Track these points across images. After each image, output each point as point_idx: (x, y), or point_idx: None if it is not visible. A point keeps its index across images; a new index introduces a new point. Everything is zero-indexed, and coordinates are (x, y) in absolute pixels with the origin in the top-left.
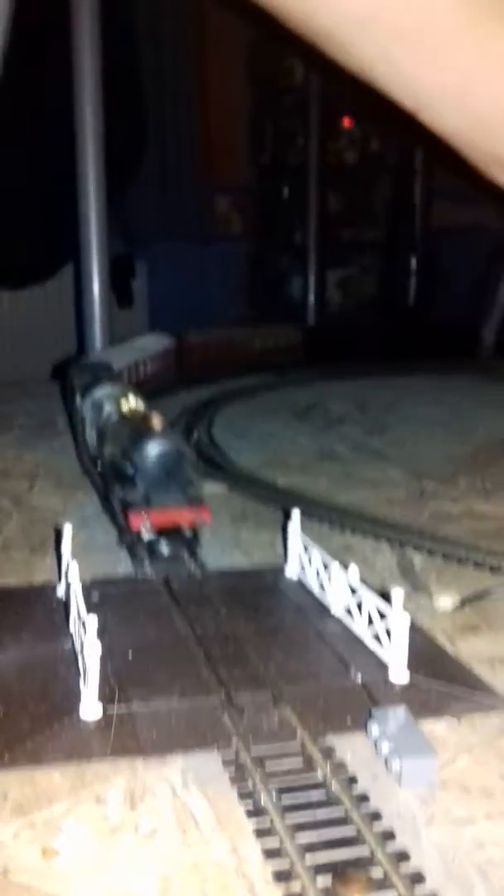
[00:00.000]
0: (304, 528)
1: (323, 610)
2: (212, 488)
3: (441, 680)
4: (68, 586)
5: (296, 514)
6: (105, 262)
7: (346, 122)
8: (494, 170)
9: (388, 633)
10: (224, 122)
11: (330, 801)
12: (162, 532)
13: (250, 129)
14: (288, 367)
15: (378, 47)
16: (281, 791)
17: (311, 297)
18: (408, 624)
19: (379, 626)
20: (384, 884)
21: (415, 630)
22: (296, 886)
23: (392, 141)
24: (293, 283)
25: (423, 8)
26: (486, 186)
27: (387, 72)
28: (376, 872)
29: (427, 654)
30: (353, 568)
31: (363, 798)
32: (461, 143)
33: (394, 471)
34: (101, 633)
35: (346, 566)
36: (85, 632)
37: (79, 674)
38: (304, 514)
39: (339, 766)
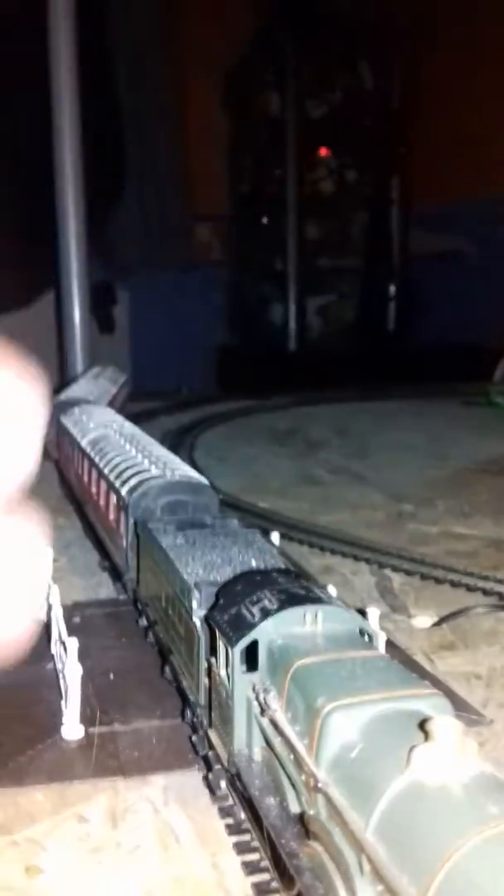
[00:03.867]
0: (285, 550)
1: None
2: None
3: None
4: (49, 609)
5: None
6: (85, 288)
7: (323, 151)
8: None
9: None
10: (203, 152)
11: None
12: None
13: (229, 159)
14: (268, 392)
15: None
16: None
17: (292, 324)
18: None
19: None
20: None
21: (393, 647)
22: None
23: (368, 171)
24: (273, 309)
25: None
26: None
27: None
28: None
29: None
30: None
31: None
32: None
33: (373, 494)
34: (83, 655)
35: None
36: (66, 654)
37: (61, 696)
38: (285, 537)
39: None
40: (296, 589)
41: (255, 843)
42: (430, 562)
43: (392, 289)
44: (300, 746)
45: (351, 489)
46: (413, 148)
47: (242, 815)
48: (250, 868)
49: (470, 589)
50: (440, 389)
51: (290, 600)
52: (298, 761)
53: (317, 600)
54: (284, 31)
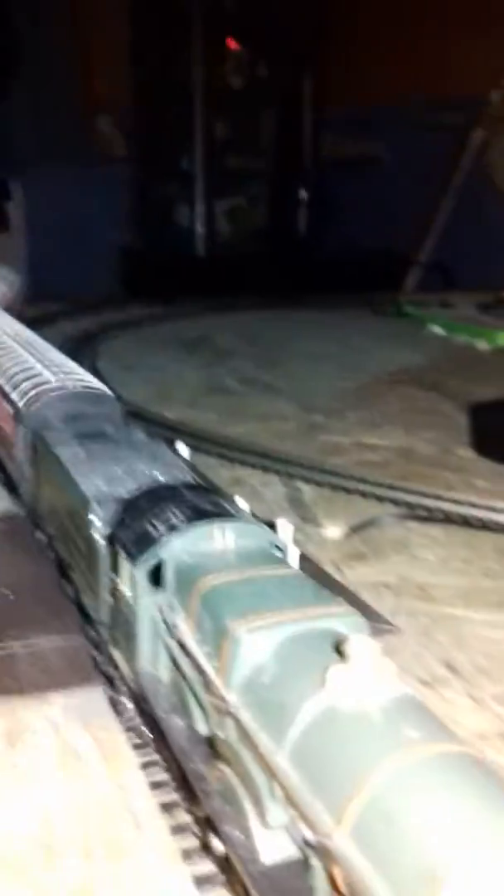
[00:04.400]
0: (193, 462)
1: None
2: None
3: None
4: None
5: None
6: None
7: (231, 43)
8: None
9: None
10: (102, 39)
11: None
12: None
13: (132, 47)
14: (176, 298)
15: None
16: None
17: (199, 227)
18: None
19: None
20: None
21: (306, 561)
22: (181, 817)
23: (280, 68)
24: (179, 211)
25: None
26: None
27: None
28: None
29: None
30: None
31: None
32: None
33: (283, 404)
34: None
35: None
36: None
37: None
38: (193, 448)
39: None
40: (204, 504)
41: (163, 763)
42: (341, 472)
43: (303, 193)
44: (209, 669)
45: (261, 400)
46: (329, 46)
47: (149, 733)
48: (157, 786)
49: (380, 499)
50: (353, 298)
51: (198, 516)
52: (208, 684)
53: (226, 515)
54: None
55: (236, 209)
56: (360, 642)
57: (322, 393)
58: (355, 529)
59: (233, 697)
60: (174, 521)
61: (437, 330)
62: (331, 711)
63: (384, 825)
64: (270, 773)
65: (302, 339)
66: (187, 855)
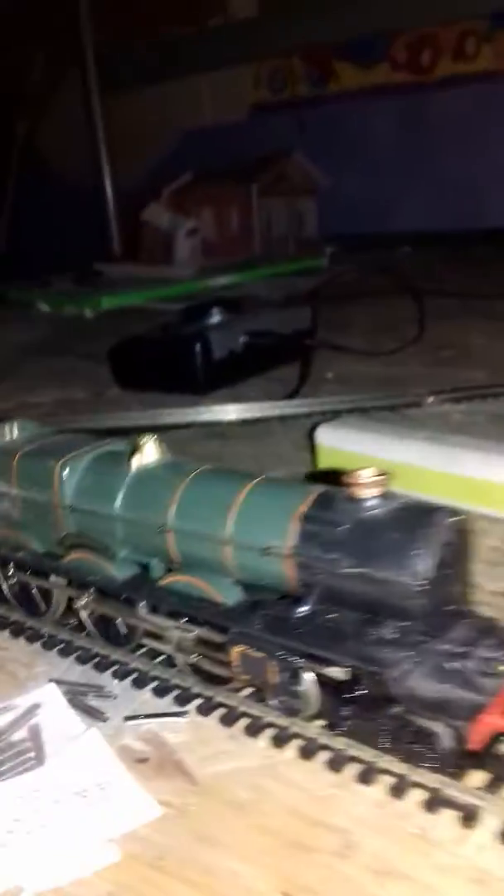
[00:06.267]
0: None
1: None
2: None
3: None
4: None
5: None
6: None
7: None
8: None
9: None
10: None
11: None
12: None
13: None
14: None
15: None
16: None
17: None
18: None
19: None
20: None
21: None
22: None
23: None
24: None
25: None
26: None
27: None
28: None
29: None
30: None
31: None
32: None
33: None
34: None
35: None
36: None
37: None
38: None
39: None
40: None
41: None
42: None
43: None
44: (44, 497)
45: None
46: None
47: None
48: None
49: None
50: None
51: None
52: (44, 507)
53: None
54: None
55: None
56: (145, 440)
57: None
58: None
59: (70, 499)
60: None
61: (44, 307)
62: (141, 473)
63: (192, 507)
64: (111, 524)
65: None
66: None
